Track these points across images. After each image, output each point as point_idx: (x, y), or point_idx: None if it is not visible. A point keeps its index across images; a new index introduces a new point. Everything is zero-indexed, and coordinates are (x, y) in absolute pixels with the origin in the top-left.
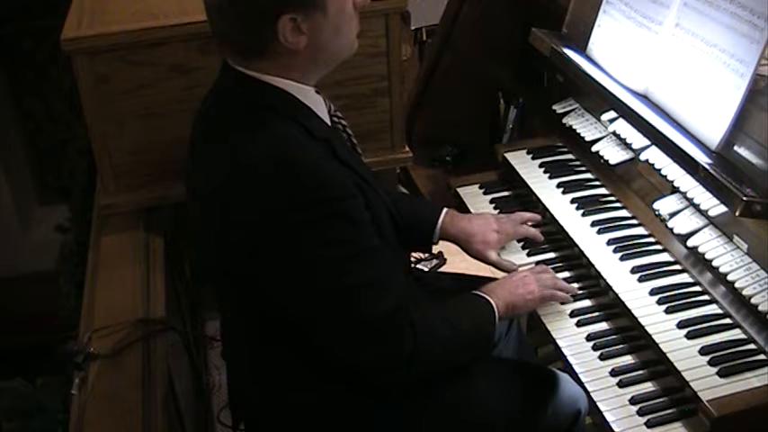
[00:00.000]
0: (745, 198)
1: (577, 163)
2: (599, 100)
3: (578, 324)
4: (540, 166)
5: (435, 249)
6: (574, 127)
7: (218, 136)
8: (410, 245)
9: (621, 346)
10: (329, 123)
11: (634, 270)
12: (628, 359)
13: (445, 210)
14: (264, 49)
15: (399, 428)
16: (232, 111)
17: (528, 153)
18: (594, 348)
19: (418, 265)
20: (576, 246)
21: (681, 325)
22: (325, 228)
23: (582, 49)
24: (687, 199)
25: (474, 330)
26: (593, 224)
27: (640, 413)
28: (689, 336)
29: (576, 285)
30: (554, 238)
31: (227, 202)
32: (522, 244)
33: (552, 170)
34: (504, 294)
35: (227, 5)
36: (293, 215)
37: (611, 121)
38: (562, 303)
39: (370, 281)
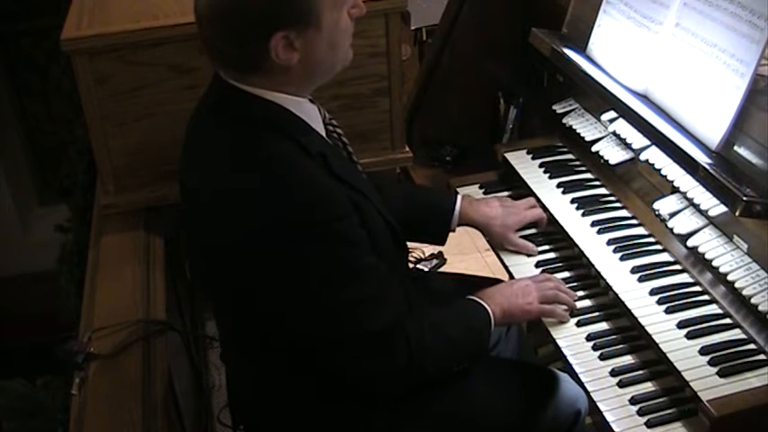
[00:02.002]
0: (745, 198)
1: (577, 163)
2: (599, 100)
3: (578, 324)
4: (540, 166)
5: (435, 249)
6: (574, 127)
7: (213, 153)
8: (426, 237)
9: (621, 346)
10: (324, 133)
11: (634, 270)
12: (628, 359)
13: (461, 195)
14: (257, 65)
15: (399, 422)
16: (226, 127)
17: (528, 153)
18: (594, 348)
19: (418, 265)
20: (576, 246)
21: (681, 325)
22: (320, 247)
23: (582, 49)
24: (687, 199)
25: (468, 338)
26: (594, 224)
27: (640, 413)
28: (689, 336)
29: (575, 285)
30: (554, 238)
31: (219, 222)
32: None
33: (552, 170)
34: (501, 301)
35: (220, 22)
36: (289, 234)
37: (611, 121)
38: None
39: (365, 298)
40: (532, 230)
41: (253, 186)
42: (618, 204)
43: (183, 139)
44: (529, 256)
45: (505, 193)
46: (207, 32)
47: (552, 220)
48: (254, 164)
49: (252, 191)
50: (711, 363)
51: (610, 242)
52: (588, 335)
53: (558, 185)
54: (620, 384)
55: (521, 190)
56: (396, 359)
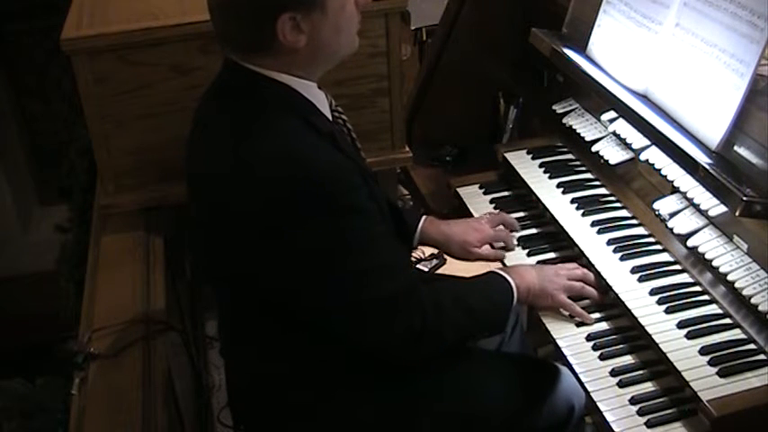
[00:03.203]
0: (745, 198)
1: (577, 163)
2: (599, 100)
3: (578, 324)
4: (540, 166)
5: (435, 249)
6: (574, 127)
7: (223, 132)
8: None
9: (621, 346)
10: (330, 119)
11: (634, 270)
12: (628, 359)
13: (424, 216)
14: (265, 46)
15: (398, 422)
16: (237, 107)
17: (528, 153)
18: (594, 348)
19: (418, 265)
20: (576, 246)
21: (681, 325)
22: (333, 219)
23: (582, 49)
24: (687, 199)
25: (488, 308)
26: (594, 224)
27: (640, 413)
28: (689, 336)
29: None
30: (554, 238)
31: (234, 197)
32: (521, 244)
33: (552, 170)
34: (530, 279)
35: (228, 4)
36: (301, 209)
37: (611, 121)
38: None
39: (379, 264)
40: (533, 230)
41: (262, 165)
42: (618, 204)
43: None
44: (529, 255)
45: (505, 193)
46: (217, 17)
47: (552, 219)
48: (263, 143)
49: (261, 170)
50: (711, 363)
51: (610, 242)
52: (588, 335)
53: (558, 185)
54: (620, 384)
55: (521, 190)
56: (411, 321)
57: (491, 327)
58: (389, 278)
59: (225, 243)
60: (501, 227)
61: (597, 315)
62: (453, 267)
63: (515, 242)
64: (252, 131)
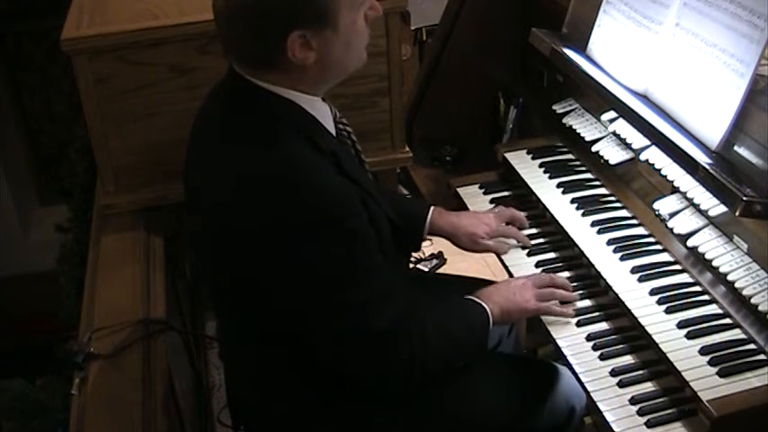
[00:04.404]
0: (745, 198)
1: (577, 163)
2: (599, 100)
3: (578, 324)
4: (540, 166)
5: (435, 249)
6: (574, 127)
7: (224, 146)
8: (401, 243)
9: (621, 346)
10: (334, 132)
11: (634, 270)
12: (628, 359)
13: (432, 206)
14: (273, 62)
15: (399, 424)
16: (239, 121)
17: (528, 153)
18: (594, 348)
19: (418, 266)
20: (576, 246)
21: (681, 325)
22: (330, 246)
23: (582, 49)
24: (687, 199)
25: (468, 337)
26: (594, 224)
27: (640, 413)
28: (689, 336)
29: (575, 285)
30: (554, 238)
31: (231, 215)
32: (521, 244)
33: (552, 170)
34: (499, 299)
35: (238, 18)
36: (299, 233)
37: (611, 121)
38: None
39: (374, 295)
40: (533, 230)
41: (262, 186)
42: (618, 204)
43: (188, 138)
44: (529, 255)
45: (505, 193)
46: (224, 28)
47: (552, 219)
48: (265, 163)
49: (261, 190)
50: (711, 363)
51: (610, 242)
52: (588, 335)
53: (558, 185)
54: (620, 384)
55: (521, 190)
56: (400, 356)
57: (473, 353)
58: (380, 311)
59: (222, 259)
60: (507, 223)
61: (597, 314)
62: (453, 267)
63: (515, 242)
64: (254, 150)
